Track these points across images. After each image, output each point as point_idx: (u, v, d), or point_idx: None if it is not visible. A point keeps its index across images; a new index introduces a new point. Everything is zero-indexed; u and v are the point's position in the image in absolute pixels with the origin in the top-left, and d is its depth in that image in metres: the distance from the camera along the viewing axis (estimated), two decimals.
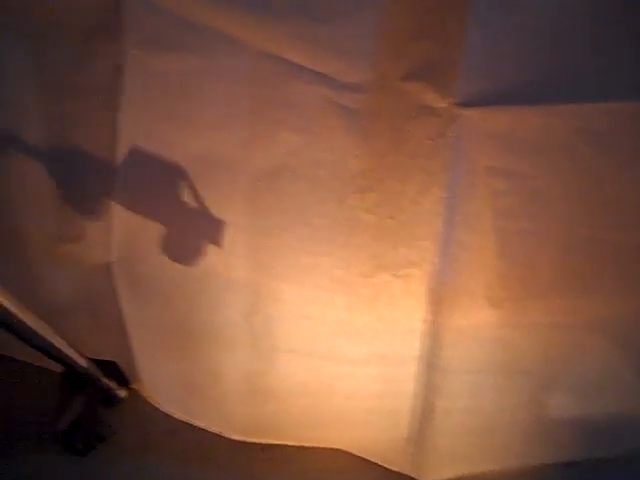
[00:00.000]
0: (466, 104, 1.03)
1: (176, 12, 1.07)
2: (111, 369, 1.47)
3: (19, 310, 1.13)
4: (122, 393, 1.51)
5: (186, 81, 1.12)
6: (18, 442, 1.42)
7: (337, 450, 1.46)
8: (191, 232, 1.25)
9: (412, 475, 1.41)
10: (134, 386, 1.53)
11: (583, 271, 1.18)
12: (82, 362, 1.36)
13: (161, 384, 1.50)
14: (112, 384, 1.48)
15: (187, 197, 1.21)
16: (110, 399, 1.50)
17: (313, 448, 1.46)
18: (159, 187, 1.23)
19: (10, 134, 1.23)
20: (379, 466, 1.44)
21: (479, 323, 1.22)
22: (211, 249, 1.25)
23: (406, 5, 0.99)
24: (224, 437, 1.47)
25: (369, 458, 1.44)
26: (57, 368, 1.40)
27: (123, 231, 1.29)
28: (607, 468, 1.41)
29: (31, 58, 1.17)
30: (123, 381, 1.50)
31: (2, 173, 1.27)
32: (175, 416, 1.51)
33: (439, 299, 1.21)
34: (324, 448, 1.46)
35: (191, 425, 1.49)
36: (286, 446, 1.46)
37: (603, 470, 1.41)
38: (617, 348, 1.27)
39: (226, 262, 1.25)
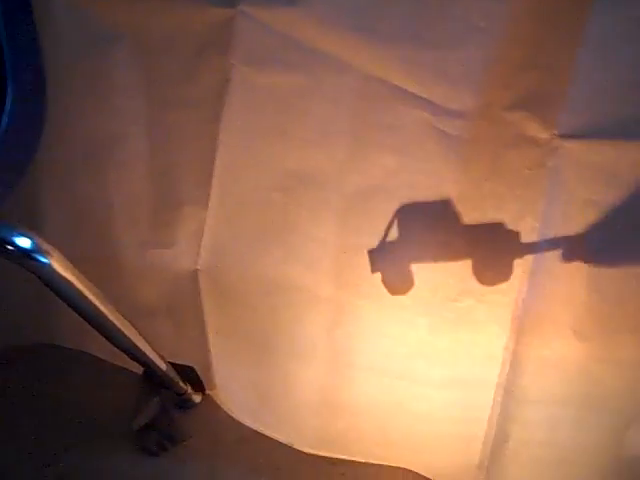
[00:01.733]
0: (568, 136, 1.03)
1: (285, 32, 1.08)
2: (188, 374, 1.49)
3: (108, 310, 1.16)
4: (197, 398, 1.53)
5: (289, 98, 1.14)
6: (94, 438, 1.44)
7: (407, 470, 1.45)
8: (280, 245, 1.25)
9: None
10: (209, 392, 1.55)
11: None
12: (162, 365, 1.38)
13: (236, 392, 1.51)
14: (188, 389, 1.50)
15: (279, 210, 1.22)
16: (185, 403, 1.52)
17: (382, 466, 1.46)
18: (252, 199, 1.24)
19: (116, 140, 1.26)
20: None
21: (563, 355, 1.20)
22: (298, 263, 1.26)
23: (517, 36, 0.99)
24: (294, 448, 1.48)
25: None
26: (137, 369, 1.42)
27: (213, 240, 1.31)
28: None
29: (142, 70, 1.19)
30: (199, 387, 1.52)
31: (103, 177, 1.29)
32: (247, 424, 1.52)
33: (523, 327, 1.20)
34: (393, 467, 1.46)
35: (262, 434, 1.50)
36: (355, 462, 1.46)
37: None
38: None
39: (312, 277, 1.26)
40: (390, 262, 1.21)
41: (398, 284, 1.22)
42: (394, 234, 1.18)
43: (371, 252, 1.20)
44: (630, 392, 1.24)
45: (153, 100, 1.21)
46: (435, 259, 1.18)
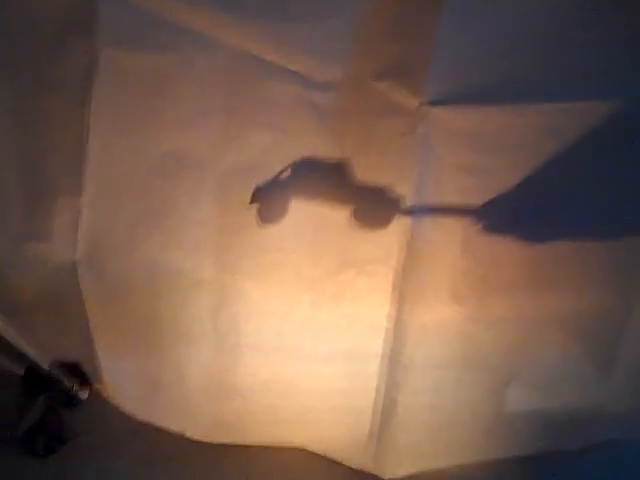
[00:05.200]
0: (435, 102, 1.06)
1: (151, 10, 1.07)
2: (73, 370, 1.46)
3: None
4: (84, 394, 1.50)
5: (159, 78, 1.12)
6: None
7: (300, 450, 1.47)
8: (159, 230, 1.24)
9: (374, 472, 1.43)
10: (96, 387, 1.52)
11: (544, 267, 1.22)
12: (44, 363, 1.35)
13: (124, 384, 1.49)
14: (74, 385, 1.47)
15: (157, 194, 1.21)
16: (72, 400, 1.49)
17: (276, 448, 1.47)
18: (129, 184, 1.22)
19: None
20: (342, 465, 1.45)
21: (443, 319, 1.25)
22: (179, 247, 1.25)
23: (380, 6, 1.01)
24: (187, 437, 1.47)
25: (331, 455, 1.46)
26: (18, 369, 1.39)
27: (90, 229, 1.28)
28: (565, 460, 1.45)
29: (2, 52, 1.15)
30: (85, 382, 1.49)
31: None
32: (138, 416, 1.50)
33: (403, 295, 1.23)
34: (287, 448, 1.47)
35: (154, 425, 1.48)
36: (248, 447, 1.47)
37: (561, 462, 1.45)
38: (576, 342, 1.32)
39: (194, 260, 1.25)
40: (270, 239, 1.22)
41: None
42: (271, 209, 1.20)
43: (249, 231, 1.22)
44: (506, 350, 1.30)
45: (15, 86, 1.17)
46: (316, 232, 1.20)
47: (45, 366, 1.36)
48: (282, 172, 1.16)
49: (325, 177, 1.15)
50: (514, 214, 1.16)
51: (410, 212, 1.15)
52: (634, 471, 1.48)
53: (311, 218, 1.18)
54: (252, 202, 1.19)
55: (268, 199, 1.18)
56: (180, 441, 1.47)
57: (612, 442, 1.51)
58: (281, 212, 1.19)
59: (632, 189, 1.17)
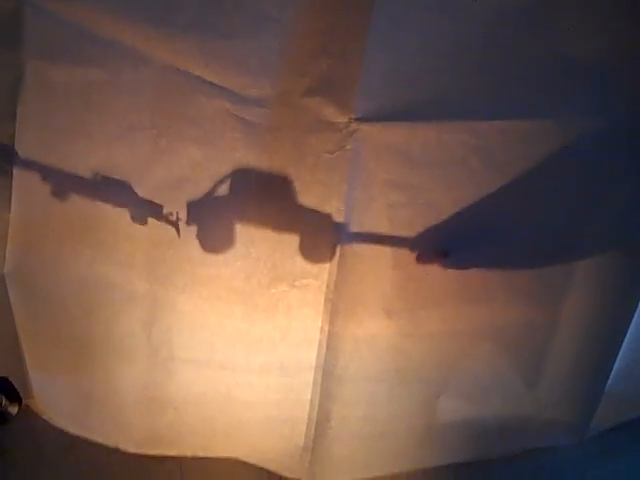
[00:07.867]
0: (364, 119, 1.07)
1: (77, 23, 1.06)
2: (2, 385, 1.44)
3: None
4: (13, 410, 1.48)
5: (88, 93, 1.11)
6: None
7: (235, 460, 1.47)
8: (89, 244, 1.23)
9: None
10: (26, 402, 1.50)
11: (473, 282, 1.24)
12: None
13: (55, 399, 1.47)
14: (3, 400, 1.44)
15: (85, 209, 1.20)
16: (0, 416, 1.46)
17: (211, 459, 1.47)
18: (57, 199, 1.21)
19: None
20: (277, 476, 1.46)
21: (375, 333, 1.26)
22: (109, 261, 1.24)
23: (309, 23, 1.01)
24: (121, 450, 1.45)
25: (267, 467, 1.46)
26: None
27: (19, 243, 1.26)
28: (494, 468, 1.48)
29: None
30: (14, 397, 1.47)
31: None
32: (70, 431, 1.48)
33: (336, 309, 1.24)
34: (222, 459, 1.47)
35: (87, 440, 1.47)
36: (184, 458, 1.46)
37: (491, 469, 1.48)
38: (504, 355, 1.35)
39: (125, 274, 1.24)
40: (202, 253, 1.22)
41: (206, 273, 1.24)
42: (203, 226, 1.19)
43: (180, 244, 1.21)
44: (437, 363, 1.32)
45: None
46: (248, 247, 1.20)
47: None
48: (216, 187, 1.15)
49: (256, 192, 1.15)
50: (443, 230, 1.17)
51: (341, 227, 1.16)
52: (557, 478, 1.52)
53: (243, 232, 1.18)
54: (188, 220, 1.18)
55: (199, 214, 1.18)
56: (113, 454, 1.45)
57: (538, 450, 1.55)
58: (213, 226, 1.18)
59: (558, 207, 1.20)
